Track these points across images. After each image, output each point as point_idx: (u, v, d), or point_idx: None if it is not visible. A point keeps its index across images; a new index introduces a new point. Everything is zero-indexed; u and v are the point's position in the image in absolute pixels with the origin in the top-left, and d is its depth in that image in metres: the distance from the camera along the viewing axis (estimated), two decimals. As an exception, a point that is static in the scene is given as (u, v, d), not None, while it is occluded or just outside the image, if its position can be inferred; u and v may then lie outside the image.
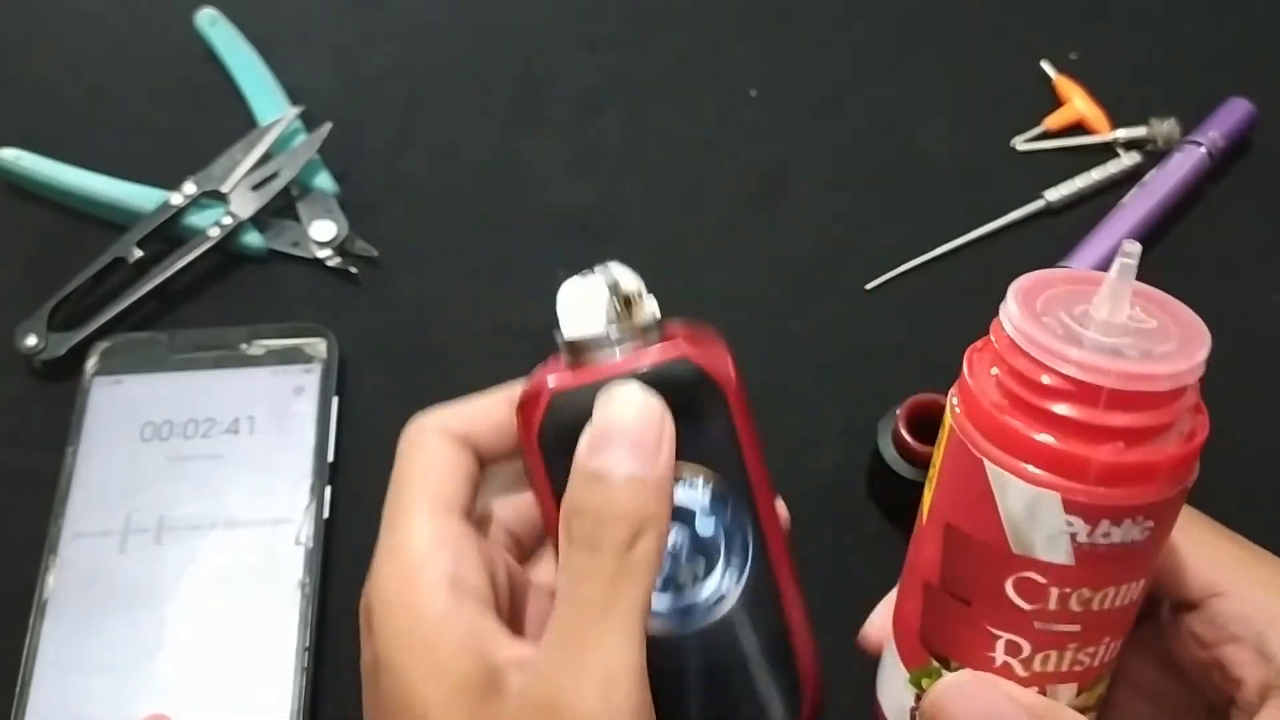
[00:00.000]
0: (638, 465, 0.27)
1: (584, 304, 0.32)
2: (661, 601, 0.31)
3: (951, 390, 0.28)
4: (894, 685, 0.32)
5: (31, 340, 0.49)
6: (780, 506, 0.33)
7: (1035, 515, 0.25)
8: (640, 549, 0.27)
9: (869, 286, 0.51)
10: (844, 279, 0.52)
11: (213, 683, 0.41)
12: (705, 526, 0.32)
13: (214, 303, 0.52)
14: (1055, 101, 0.57)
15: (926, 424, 0.42)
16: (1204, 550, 0.30)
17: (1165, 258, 0.52)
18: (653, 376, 0.30)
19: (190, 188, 0.53)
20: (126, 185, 0.53)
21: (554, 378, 0.31)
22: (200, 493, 0.45)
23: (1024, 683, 0.28)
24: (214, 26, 0.59)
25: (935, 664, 0.29)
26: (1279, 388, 0.49)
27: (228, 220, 0.52)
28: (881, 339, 0.50)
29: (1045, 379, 0.25)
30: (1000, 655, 0.28)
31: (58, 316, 0.50)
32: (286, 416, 0.47)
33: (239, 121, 0.56)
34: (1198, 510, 0.30)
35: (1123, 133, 0.55)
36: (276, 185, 0.53)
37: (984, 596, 0.27)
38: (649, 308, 0.32)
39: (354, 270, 0.52)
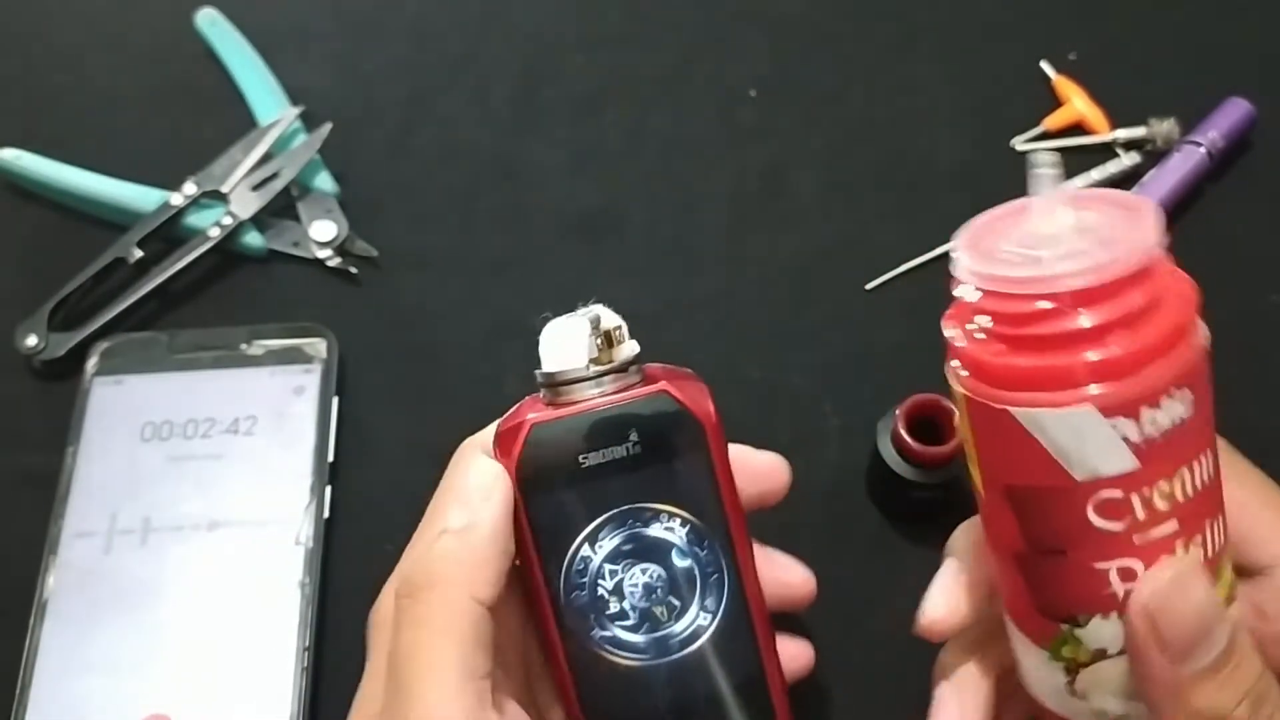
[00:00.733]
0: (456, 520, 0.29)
1: (565, 341, 0.31)
2: (637, 635, 0.31)
3: (947, 366, 0.28)
4: (1038, 671, 0.31)
5: (31, 340, 0.49)
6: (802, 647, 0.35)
7: (1081, 436, 0.25)
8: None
9: (869, 286, 0.51)
10: (844, 279, 0.52)
11: (213, 683, 0.41)
12: (681, 562, 0.32)
13: (214, 303, 0.52)
14: (1055, 102, 0.56)
15: (926, 424, 0.42)
16: (1273, 516, 0.30)
17: (1165, 258, 0.52)
18: (632, 410, 0.30)
19: (190, 188, 0.53)
20: (126, 185, 0.53)
21: (534, 413, 0.31)
22: (200, 493, 0.45)
23: None
24: (214, 26, 0.59)
25: (1065, 628, 0.29)
26: (1279, 387, 0.49)
27: (228, 220, 0.52)
28: (881, 339, 0.50)
29: (1022, 307, 0.25)
30: (1118, 586, 0.27)
31: (58, 316, 0.50)
32: (286, 416, 0.47)
33: (239, 121, 0.56)
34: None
35: (1122, 133, 0.55)
36: (277, 185, 0.53)
37: (1075, 538, 0.27)
38: (629, 346, 0.32)
39: (354, 270, 0.52)
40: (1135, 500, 0.26)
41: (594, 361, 0.31)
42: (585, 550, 0.31)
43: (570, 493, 0.31)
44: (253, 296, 0.52)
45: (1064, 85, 0.57)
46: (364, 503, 0.46)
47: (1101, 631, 0.28)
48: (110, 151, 0.55)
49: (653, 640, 0.32)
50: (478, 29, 0.61)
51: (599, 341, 0.32)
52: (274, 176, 0.53)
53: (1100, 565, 0.27)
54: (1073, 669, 0.29)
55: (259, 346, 0.49)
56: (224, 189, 0.53)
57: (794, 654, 0.37)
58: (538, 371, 0.32)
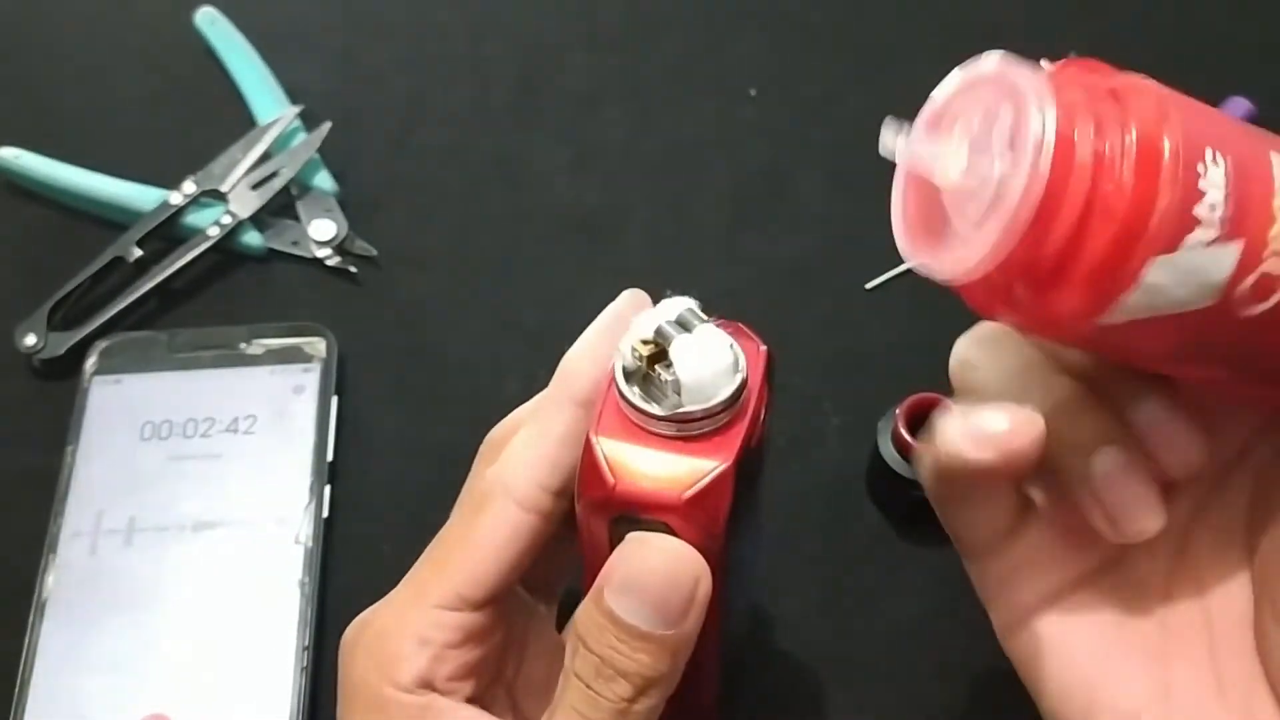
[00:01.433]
0: (658, 625, 0.26)
1: (704, 367, 0.27)
2: None
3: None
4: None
5: (31, 339, 0.49)
6: None
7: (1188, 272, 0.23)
8: (640, 706, 0.26)
9: (869, 286, 0.51)
10: (844, 279, 0.52)
11: (213, 683, 0.41)
12: None
13: (214, 302, 0.52)
14: (1055, 101, 0.56)
15: (927, 423, 0.42)
16: None
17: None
18: (738, 468, 0.27)
19: (190, 187, 0.53)
20: (126, 184, 0.53)
21: (717, 460, 0.27)
22: (200, 492, 0.45)
23: None
24: (213, 25, 0.59)
25: None
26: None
27: (227, 219, 0.52)
28: (881, 339, 0.50)
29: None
30: None
31: (57, 316, 0.50)
32: (286, 416, 0.47)
33: (238, 120, 0.56)
34: None
35: (1123, 133, 0.55)
36: (276, 184, 0.53)
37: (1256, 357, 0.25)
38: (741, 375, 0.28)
39: (354, 270, 0.52)
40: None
41: (719, 398, 0.27)
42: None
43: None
44: (252, 296, 0.52)
45: (1064, 85, 0.57)
46: (364, 503, 0.46)
47: None
48: (109, 150, 0.55)
49: None
50: (478, 28, 0.61)
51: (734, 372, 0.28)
52: (273, 175, 0.53)
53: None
54: None
55: (258, 346, 0.49)
56: (223, 188, 0.53)
57: None
58: (642, 400, 0.27)
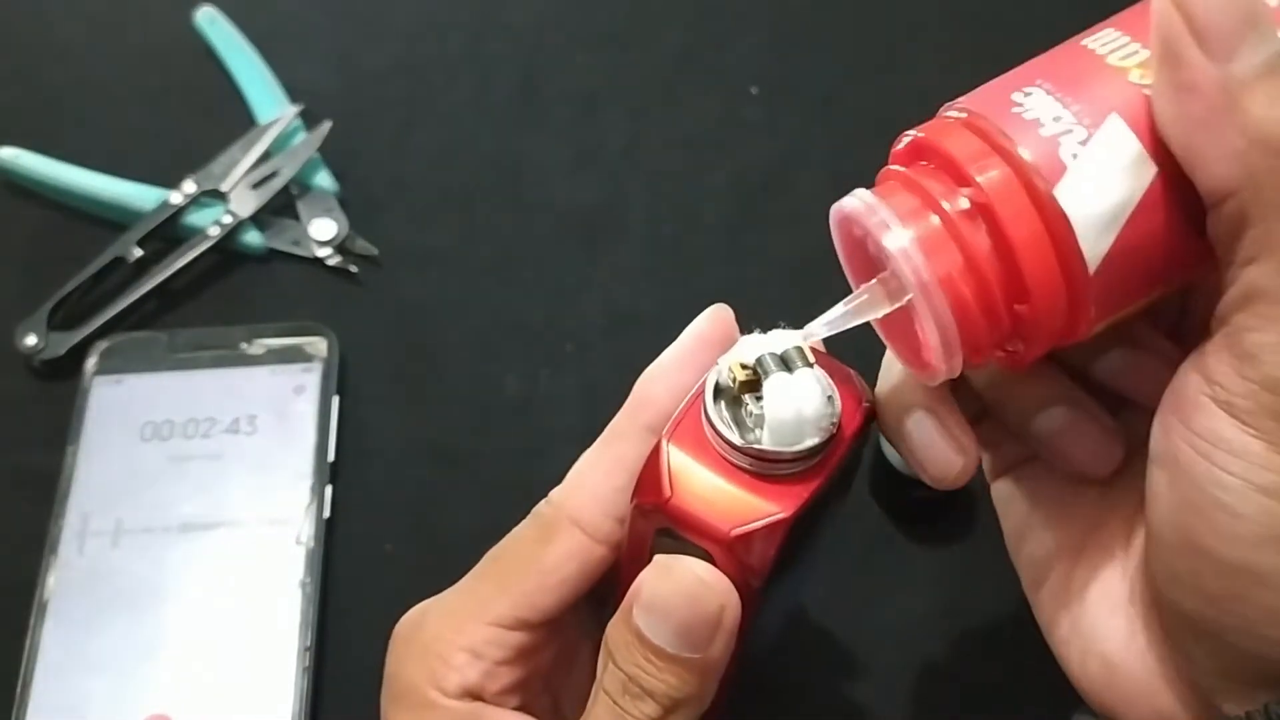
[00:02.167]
0: (683, 649, 0.26)
1: (793, 413, 0.26)
2: None
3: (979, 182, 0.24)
4: None
5: (31, 340, 0.49)
6: None
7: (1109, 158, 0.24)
8: None
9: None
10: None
11: (213, 683, 0.41)
12: None
13: (214, 302, 0.52)
14: (1056, 100, 0.56)
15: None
16: None
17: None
18: (798, 519, 0.26)
19: (190, 187, 0.53)
20: (126, 184, 0.53)
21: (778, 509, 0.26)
22: (200, 492, 0.45)
23: None
24: (213, 25, 0.59)
25: None
26: None
27: (227, 219, 0.52)
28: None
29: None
30: None
31: (57, 316, 0.50)
32: (287, 416, 0.47)
33: (238, 120, 0.56)
34: None
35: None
36: (276, 184, 0.53)
37: None
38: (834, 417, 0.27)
39: (354, 269, 0.52)
40: None
41: (810, 438, 0.27)
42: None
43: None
44: (252, 295, 0.52)
45: (1065, 84, 0.57)
46: (364, 502, 0.46)
47: None
48: (109, 150, 0.55)
49: None
50: (478, 27, 0.61)
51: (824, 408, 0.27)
52: (273, 175, 0.53)
53: None
54: None
55: (259, 345, 0.49)
56: (223, 188, 0.53)
57: None
58: (761, 445, 0.26)
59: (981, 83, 0.27)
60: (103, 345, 0.49)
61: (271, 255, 0.53)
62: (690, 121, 0.58)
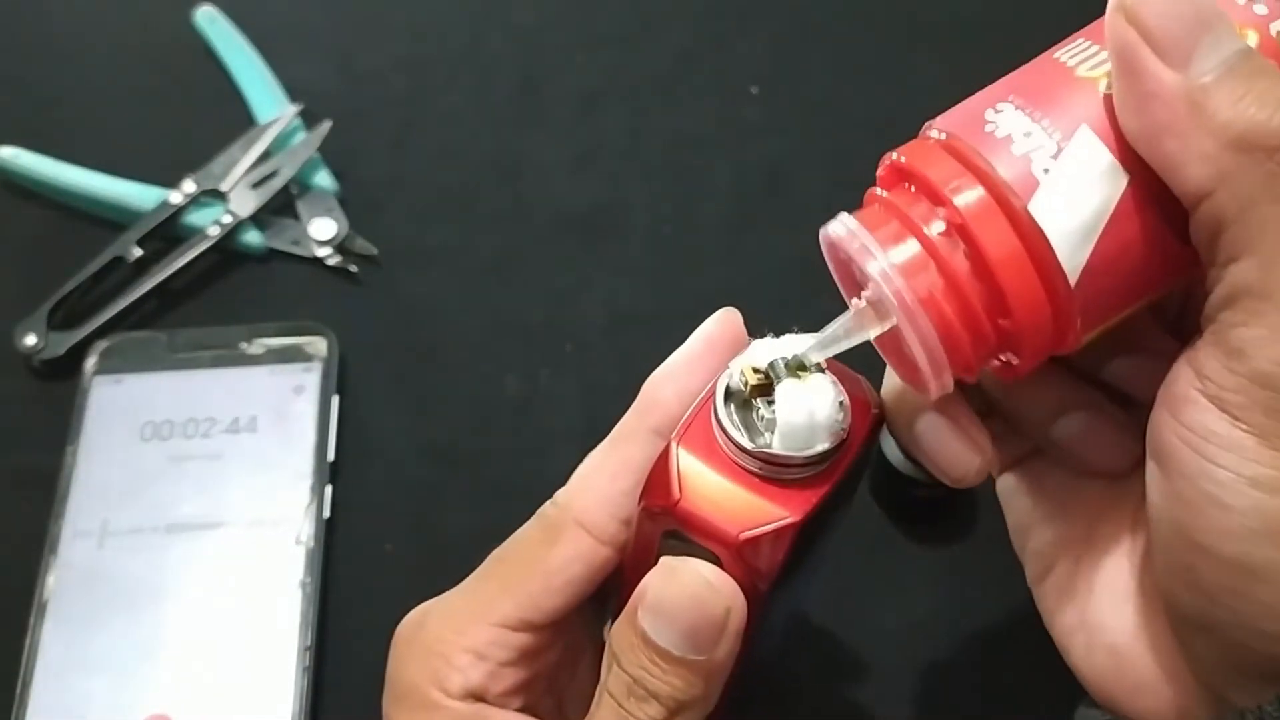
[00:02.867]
0: (688, 651, 0.26)
1: (803, 418, 0.26)
2: None
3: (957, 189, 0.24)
4: None
5: (31, 339, 0.49)
6: None
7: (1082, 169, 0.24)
8: None
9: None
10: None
11: (213, 683, 0.41)
12: None
13: (214, 301, 0.52)
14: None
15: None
16: None
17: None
18: (807, 523, 0.26)
19: (189, 186, 0.53)
20: (126, 184, 0.53)
21: (787, 513, 0.26)
22: (200, 492, 0.45)
23: None
24: (213, 24, 0.59)
25: None
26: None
27: (227, 219, 0.52)
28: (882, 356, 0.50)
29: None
30: None
31: (57, 315, 0.50)
32: (286, 416, 0.47)
33: (238, 119, 0.56)
34: None
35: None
36: (276, 183, 0.53)
37: None
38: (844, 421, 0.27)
39: (354, 269, 0.52)
40: None
41: (819, 444, 0.27)
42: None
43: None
44: (252, 295, 0.52)
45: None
46: (364, 502, 0.46)
47: None
48: (109, 150, 0.55)
49: None
50: (478, 26, 0.61)
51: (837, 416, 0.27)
52: (273, 175, 0.53)
53: None
54: None
55: (259, 345, 0.49)
56: (223, 187, 0.53)
57: None
58: (771, 449, 0.26)
59: (980, 82, 0.27)
60: (102, 345, 0.49)
61: (271, 255, 0.53)
62: (690, 121, 0.58)
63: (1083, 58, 0.25)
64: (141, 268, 0.51)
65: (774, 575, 0.26)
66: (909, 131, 0.28)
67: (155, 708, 0.41)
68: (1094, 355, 0.29)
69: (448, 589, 0.30)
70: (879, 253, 0.25)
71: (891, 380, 0.30)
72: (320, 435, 0.47)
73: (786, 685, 0.42)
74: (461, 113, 0.58)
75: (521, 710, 0.30)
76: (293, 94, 0.57)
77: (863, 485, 0.46)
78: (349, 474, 0.47)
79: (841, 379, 0.28)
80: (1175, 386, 0.24)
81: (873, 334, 0.26)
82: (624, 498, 0.29)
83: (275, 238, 0.53)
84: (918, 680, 0.42)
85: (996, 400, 0.30)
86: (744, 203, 0.55)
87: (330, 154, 0.55)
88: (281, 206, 0.54)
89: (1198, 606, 0.24)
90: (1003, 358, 0.26)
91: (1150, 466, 0.25)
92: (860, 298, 0.26)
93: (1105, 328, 0.25)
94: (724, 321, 0.30)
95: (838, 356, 0.28)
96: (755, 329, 0.31)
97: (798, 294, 0.52)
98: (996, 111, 0.25)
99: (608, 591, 0.32)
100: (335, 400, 0.48)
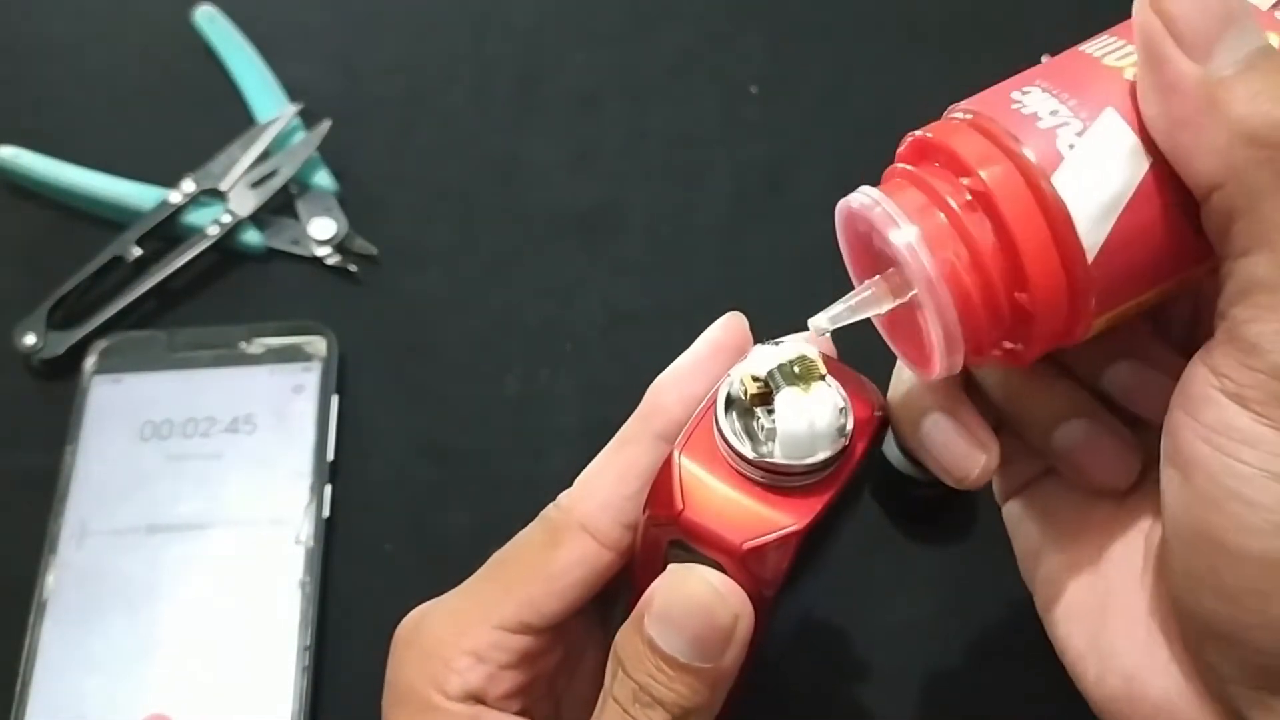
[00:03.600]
0: (695, 658, 0.26)
1: (804, 426, 0.26)
2: None
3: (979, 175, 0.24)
4: None
5: (30, 339, 0.49)
6: None
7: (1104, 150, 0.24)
8: None
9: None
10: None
11: (213, 683, 0.41)
12: None
13: (213, 301, 0.52)
14: (1056, 100, 0.56)
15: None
16: None
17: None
18: (811, 530, 0.26)
19: (189, 186, 0.53)
20: (125, 183, 0.53)
21: (790, 521, 0.26)
22: (200, 492, 0.45)
23: None
24: (212, 23, 0.59)
25: None
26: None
27: (227, 218, 0.52)
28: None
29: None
30: None
31: (57, 315, 0.50)
32: (286, 415, 0.47)
33: (237, 119, 0.56)
34: None
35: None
36: (275, 183, 0.53)
37: None
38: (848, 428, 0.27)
39: (353, 268, 0.52)
40: None
41: (822, 452, 0.26)
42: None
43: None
44: (252, 295, 0.52)
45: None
46: (364, 502, 0.46)
47: None
48: (108, 149, 0.55)
49: None
50: (478, 25, 0.61)
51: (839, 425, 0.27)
52: (273, 174, 0.53)
53: None
54: None
55: (258, 345, 0.49)
56: (223, 187, 0.53)
57: None
58: (773, 458, 0.26)
59: (980, 82, 0.27)
60: (102, 344, 0.49)
61: (271, 254, 0.53)
62: (690, 120, 0.58)
63: (1110, 50, 0.26)
64: (141, 267, 0.51)
65: (779, 582, 0.26)
66: (909, 130, 0.28)
67: (154, 707, 0.41)
68: (1092, 362, 0.29)
69: (447, 588, 0.30)
70: (904, 221, 0.25)
71: (897, 383, 0.30)
72: (320, 435, 0.47)
73: (787, 685, 0.42)
74: (461, 113, 0.58)
75: (520, 713, 0.30)
76: (292, 94, 0.57)
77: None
78: (348, 473, 0.47)
79: (845, 381, 0.28)
80: (1191, 388, 0.24)
81: (886, 308, 0.26)
82: (628, 502, 0.29)
83: (275, 237, 0.53)
84: (916, 679, 0.42)
85: (1000, 407, 0.30)
86: (743, 202, 0.55)
87: (330, 154, 0.55)
88: (281, 206, 0.54)
89: (1221, 612, 0.24)
90: (1009, 344, 0.26)
91: (1167, 474, 0.25)
92: (875, 278, 0.26)
93: (1115, 315, 0.25)
94: (729, 326, 0.30)
95: (843, 346, 0.27)
96: (754, 329, 0.31)
97: (797, 293, 0.52)
98: (1024, 93, 0.25)
99: (609, 596, 0.32)
100: (335, 400, 0.48)
